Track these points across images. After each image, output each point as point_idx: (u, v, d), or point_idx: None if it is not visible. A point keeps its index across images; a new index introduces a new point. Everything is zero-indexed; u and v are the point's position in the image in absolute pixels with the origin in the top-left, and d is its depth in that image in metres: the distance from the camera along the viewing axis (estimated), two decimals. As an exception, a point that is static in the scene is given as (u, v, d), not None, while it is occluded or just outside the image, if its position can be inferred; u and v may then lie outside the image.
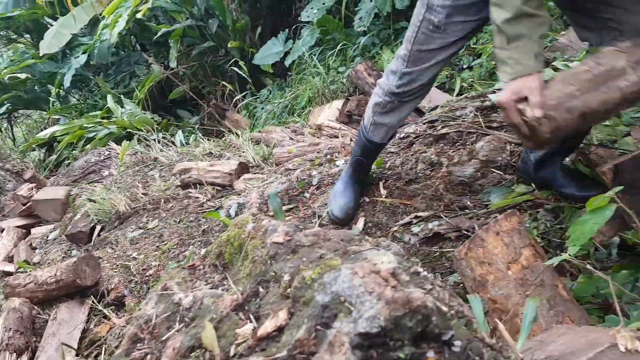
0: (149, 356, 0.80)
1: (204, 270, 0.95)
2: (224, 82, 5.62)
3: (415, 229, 1.89)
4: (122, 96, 5.83)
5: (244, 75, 5.13)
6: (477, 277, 1.38)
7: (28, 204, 3.79)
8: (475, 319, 0.83)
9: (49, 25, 6.55)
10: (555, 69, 2.29)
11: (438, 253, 1.77)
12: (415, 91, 1.70)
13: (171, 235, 2.60)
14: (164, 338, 0.81)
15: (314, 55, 4.70)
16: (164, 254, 2.46)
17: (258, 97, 5.43)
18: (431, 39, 1.57)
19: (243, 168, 3.00)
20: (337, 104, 3.97)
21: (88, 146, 5.20)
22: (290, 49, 5.10)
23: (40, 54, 5.96)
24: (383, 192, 2.11)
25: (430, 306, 0.64)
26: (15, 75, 6.66)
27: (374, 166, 2.17)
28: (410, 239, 1.87)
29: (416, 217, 1.94)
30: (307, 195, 2.32)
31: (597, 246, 1.48)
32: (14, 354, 2.07)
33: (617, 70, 1.20)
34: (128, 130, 5.14)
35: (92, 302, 2.30)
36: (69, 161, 5.19)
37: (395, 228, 1.94)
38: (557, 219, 1.67)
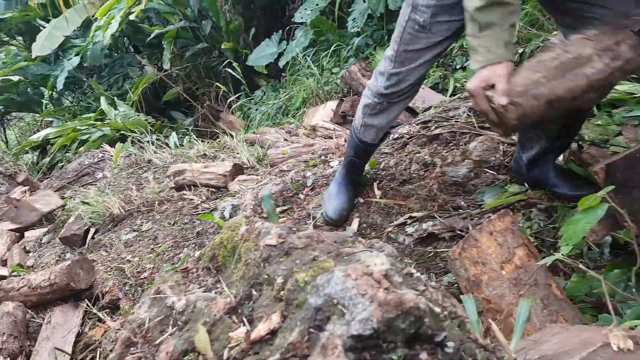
0: (142, 360, 0.80)
1: (197, 273, 0.95)
2: (217, 84, 5.61)
3: (409, 230, 1.89)
4: (115, 98, 5.82)
5: (237, 76, 5.13)
6: (471, 277, 1.38)
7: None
8: (469, 319, 0.84)
9: (41, 28, 6.52)
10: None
11: (432, 253, 1.78)
12: (404, 92, 1.71)
13: (165, 237, 2.59)
14: (157, 342, 0.81)
15: (308, 56, 4.71)
16: (158, 257, 2.45)
17: (252, 98, 5.43)
18: (417, 38, 1.57)
19: (237, 169, 3.00)
20: (331, 104, 3.97)
21: (81, 148, 5.18)
22: (284, 50, 5.10)
23: (33, 56, 5.93)
24: (377, 192, 2.12)
25: (422, 307, 0.64)
26: (8, 77, 6.63)
27: (368, 167, 2.18)
28: (404, 239, 1.87)
29: (410, 217, 1.94)
30: (301, 196, 2.32)
31: (590, 245, 1.49)
32: (8, 359, 2.05)
33: (584, 57, 1.21)
34: (122, 132, 5.13)
35: (87, 305, 2.29)
36: (63, 164, 5.17)
37: (389, 229, 1.94)
38: (551, 218, 1.68)
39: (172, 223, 2.71)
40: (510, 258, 1.36)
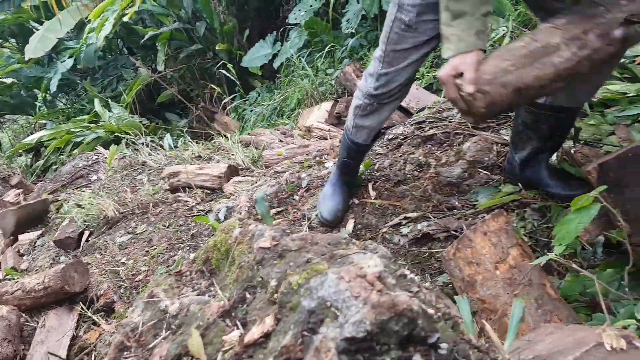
0: (135, 364, 0.79)
1: (190, 276, 0.95)
2: (212, 85, 5.61)
3: (404, 230, 1.89)
4: (109, 100, 5.80)
5: (232, 77, 5.12)
6: (465, 277, 1.39)
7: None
8: (463, 320, 0.84)
9: (34, 30, 6.50)
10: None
11: (427, 254, 1.78)
12: (393, 92, 1.71)
13: (160, 239, 2.59)
14: (150, 346, 0.81)
15: (302, 57, 4.71)
16: (153, 259, 2.44)
17: (247, 100, 5.42)
18: (404, 38, 1.58)
19: (232, 171, 2.99)
20: (326, 105, 3.97)
21: (75, 151, 5.16)
22: (279, 51, 5.10)
23: (26, 59, 5.91)
24: (372, 193, 2.12)
25: (416, 309, 0.64)
26: (1, 80, 6.60)
27: (362, 168, 2.18)
28: (399, 240, 1.87)
29: (405, 218, 1.94)
30: (296, 197, 2.32)
31: (584, 245, 1.49)
32: (2, 363, 2.04)
33: (552, 46, 1.21)
34: (116, 134, 5.11)
35: (81, 308, 2.28)
36: (57, 166, 5.15)
37: (384, 229, 1.94)
38: (544, 218, 1.68)
39: (167, 225, 2.70)
40: (505, 258, 1.37)
